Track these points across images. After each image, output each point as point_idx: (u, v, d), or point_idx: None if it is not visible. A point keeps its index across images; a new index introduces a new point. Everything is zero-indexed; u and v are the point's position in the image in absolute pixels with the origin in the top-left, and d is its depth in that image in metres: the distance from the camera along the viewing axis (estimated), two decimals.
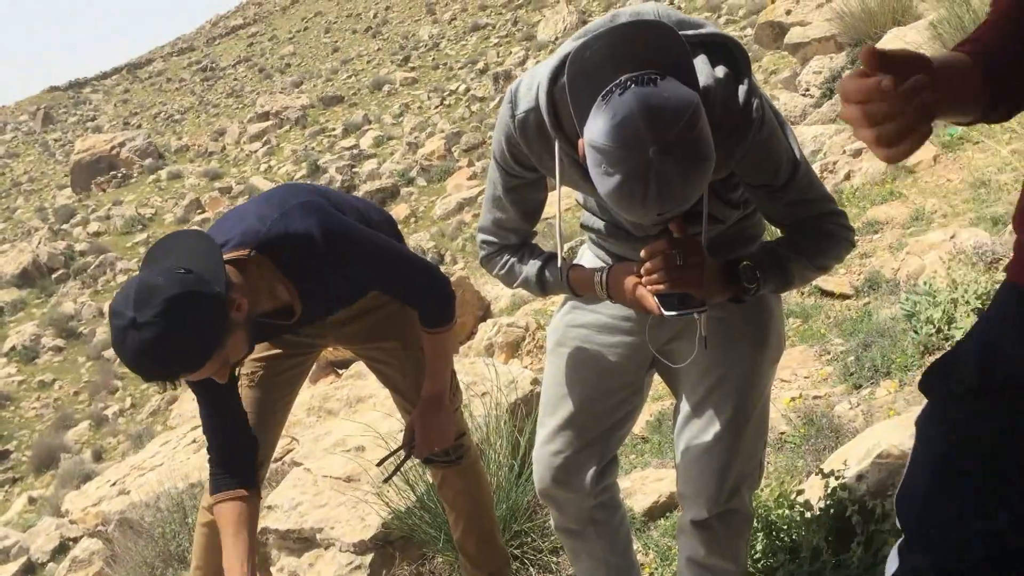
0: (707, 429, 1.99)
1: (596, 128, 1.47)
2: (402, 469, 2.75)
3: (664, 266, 1.70)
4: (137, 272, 1.97)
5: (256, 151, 32.91)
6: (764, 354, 2.02)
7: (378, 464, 2.73)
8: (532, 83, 1.76)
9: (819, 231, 1.83)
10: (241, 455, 2.30)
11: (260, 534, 3.42)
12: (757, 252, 1.86)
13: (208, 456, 2.31)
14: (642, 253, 1.74)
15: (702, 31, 1.67)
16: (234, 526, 2.22)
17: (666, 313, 1.72)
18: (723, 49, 1.67)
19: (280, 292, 2.16)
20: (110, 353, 20.86)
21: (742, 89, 1.65)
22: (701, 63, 1.63)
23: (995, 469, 1.22)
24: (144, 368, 1.87)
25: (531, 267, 2.00)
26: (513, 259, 2.03)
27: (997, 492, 1.21)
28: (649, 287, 1.74)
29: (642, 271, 1.74)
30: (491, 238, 2.04)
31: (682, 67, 1.53)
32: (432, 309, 2.36)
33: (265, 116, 35.58)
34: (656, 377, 2.24)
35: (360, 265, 2.22)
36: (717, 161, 1.59)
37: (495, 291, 8.14)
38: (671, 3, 27.32)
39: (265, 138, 33.69)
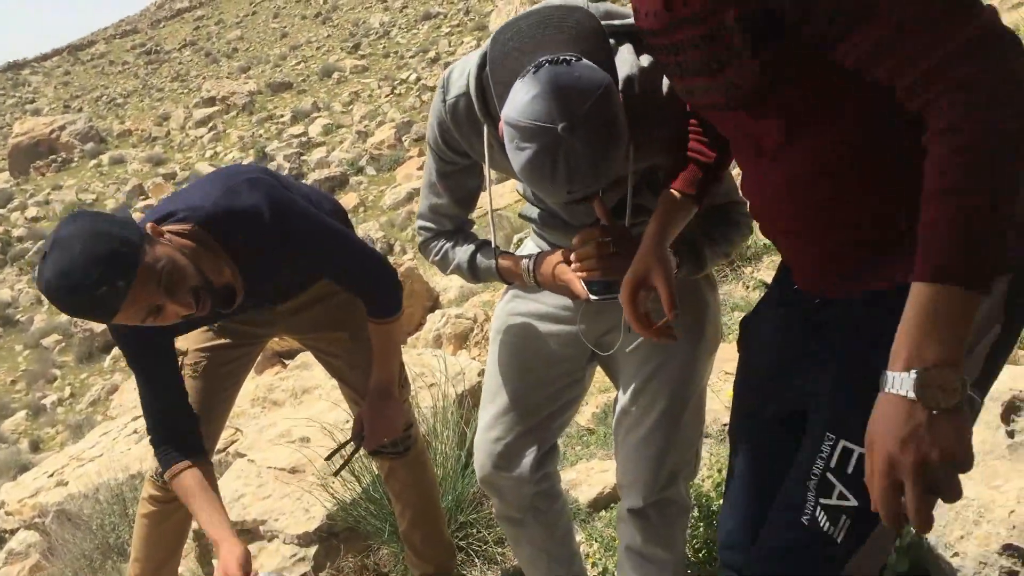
0: (644, 419, 2.02)
1: (512, 104, 1.52)
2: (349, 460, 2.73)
3: (596, 253, 1.75)
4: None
5: (202, 137, 32.41)
6: (700, 345, 2.05)
7: (327, 458, 2.72)
8: (463, 69, 1.81)
9: (727, 219, 1.92)
10: (187, 431, 2.25)
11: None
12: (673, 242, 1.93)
13: (151, 438, 2.26)
14: (574, 240, 1.79)
15: (628, 21, 1.71)
16: (200, 489, 2.18)
17: (592, 297, 1.77)
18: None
19: (224, 272, 2.10)
20: (48, 341, 20.44)
21: (666, 81, 1.71)
22: (627, 52, 1.69)
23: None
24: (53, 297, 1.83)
25: (464, 252, 2.04)
26: (448, 244, 2.06)
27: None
28: (579, 273, 1.79)
29: (573, 256, 1.80)
30: (428, 224, 2.08)
31: (599, 52, 1.59)
32: (379, 298, 2.34)
33: (211, 101, 35.06)
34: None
35: (307, 246, 2.18)
36: (641, 149, 1.66)
37: (444, 282, 8.12)
38: None
39: (211, 124, 33.20)
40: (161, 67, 50.32)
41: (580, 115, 1.48)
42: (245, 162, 27.65)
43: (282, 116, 32.44)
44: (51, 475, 5.89)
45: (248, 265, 2.13)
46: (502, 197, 10.80)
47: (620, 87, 1.64)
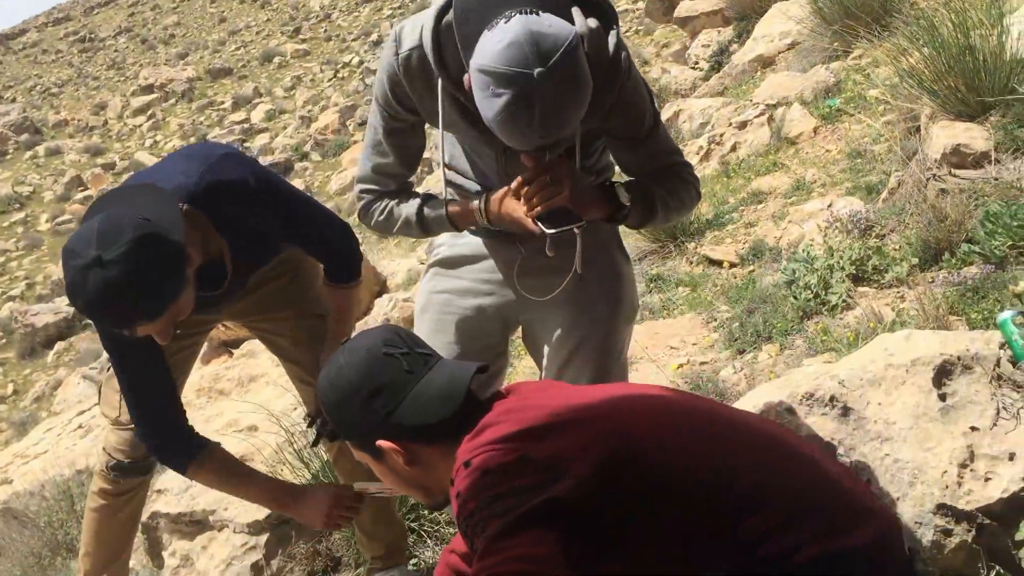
0: None
1: (484, 52, 1.57)
2: (299, 446, 2.73)
3: (538, 187, 1.79)
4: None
5: (140, 125, 31.74)
6: (619, 316, 2.14)
7: (308, 426, 2.67)
8: (416, 23, 1.84)
9: (677, 176, 2.00)
10: (185, 423, 2.23)
11: (150, 518, 3.36)
12: (625, 182, 2.00)
13: (149, 444, 2.21)
14: (513, 185, 1.84)
15: None
16: (229, 472, 2.23)
17: (547, 231, 1.81)
18: (593, 4, 1.78)
19: (211, 249, 2.10)
20: None
21: (611, 40, 1.78)
22: (577, 14, 1.73)
23: None
24: (106, 309, 1.80)
25: (410, 207, 2.05)
26: (392, 203, 2.07)
27: None
28: (528, 211, 1.83)
29: (522, 197, 1.83)
30: (371, 186, 2.08)
31: (559, 10, 1.67)
32: (344, 262, 2.38)
33: (149, 89, 34.31)
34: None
35: (287, 213, 2.21)
36: (589, 110, 1.70)
37: (391, 266, 8.09)
38: None
39: (150, 112, 32.52)
40: (96, 55, 49.10)
41: (554, 61, 1.54)
42: None
43: (223, 103, 31.88)
44: None
45: (234, 239, 2.15)
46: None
47: None
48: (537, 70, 1.54)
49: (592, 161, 2.03)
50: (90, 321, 2.03)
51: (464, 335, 2.16)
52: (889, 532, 1.50)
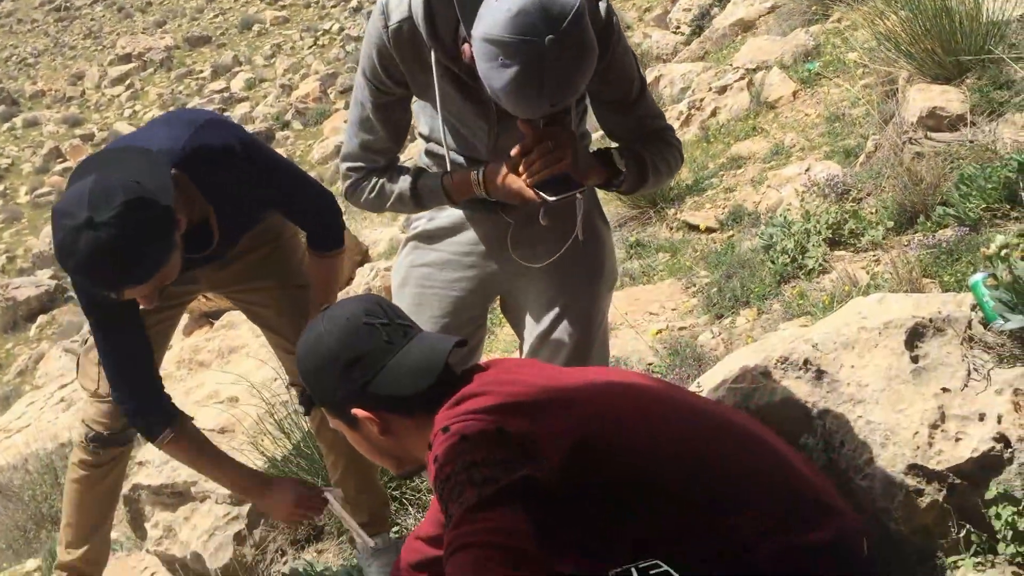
0: (555, 355, 2.09)
1: (491, 22, 1.56)
2: (279, 416, 2.73)
3: (539, 154, 1.79)
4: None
5: (119, 95, 31.35)
6: (601, 280, 2.15)
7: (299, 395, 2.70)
8: None
9: (662, 140, 2.02)
10: (162, 393, 2.25)
11: (132, 490, 3.37)
12: (617, 147, 2.01)
13: (125, 408, 2.23)
14: (513, 152, 1.82)
15: None
16: (200, 450, 2.27)
17: (548, 198, 1.81)
18: None
19: (196, 214, 2.11)
20: None
21: (602, 5, 1.80)
22: None
23: None
24: (95, 271, 1.82)
25: (403, 182, 2.04)
26: (383, 179, 2.05)
27: None
28: (528, 179, 1.82)
29: (521, 166, 1.82)
30: (358, 164, 2.06)
31: None
32: (327, 230, 2.38)
33: (127, 58, 33.85)
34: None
35: (272, 180, 2.21)
36: None
37: (373, 236, 8.06)
38: None
39: (128, 81, 32.10)
40: (72, 24, 48.36)
41: (565, 27, 1.55)
42: None
43: (202, 71, 31.49)
44: None
45: (221, 204, 2.15)
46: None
47: None
48: (548, 37, 1.54)
49: (574, 126, 2.02)
50: (77, 282, 2.04)
51: (445, 308, 2.16)
52: (852, 530, 1.52)
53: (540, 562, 1.36)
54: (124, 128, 26.51)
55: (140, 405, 2.22)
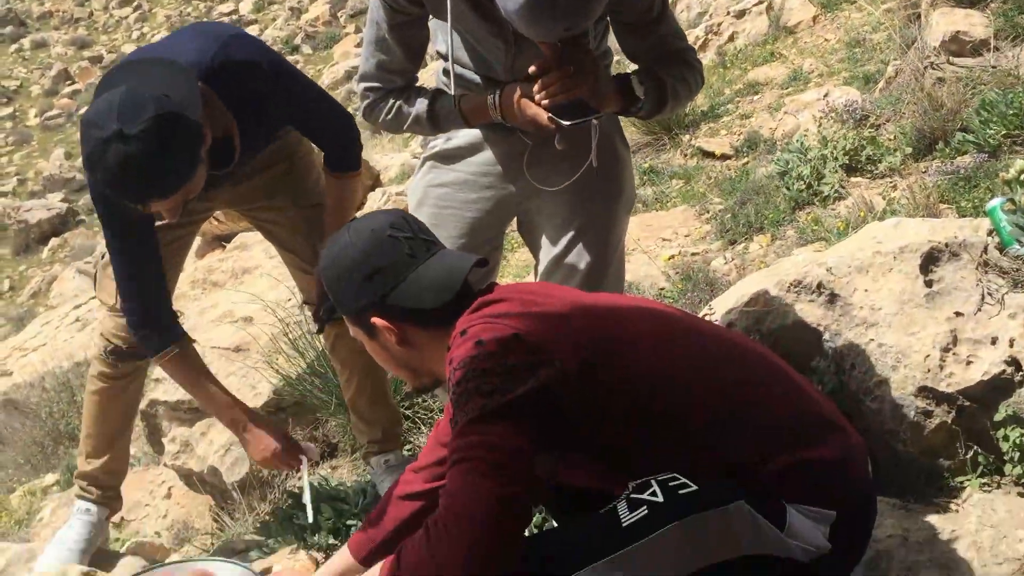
0: (572, 276, 2.08)
1: None
2: (294, 336, 2.74)
3: (558, 76, 1.75)
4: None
5: (127, 17, 30.98)
6: (620, 203, 2.13)
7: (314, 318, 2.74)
8: None
9: (683, 62, 1.97)
10: (169, 311, 2.27)
11: (149, 406, 3.42)
12: (636, 71, 1.96)
13: (130, 320, 2.25)
14: (531, 70, 1.77)
15: None
16: (196, 372, 2.28)
17: (564, 123, 1.78)
18: None
19: (219, 128, 2.10)
20: None
21: None
22: None
23: None
24: (123, 183, 1.84)
25: (420, 105, 2.02)
26: (400, 101, 2.03)
27: None
28: (545, 101, 1.78)
29: (535, 87, 1.78)
30: (375, 83, 2.03)
31: None
32: (345, 151, 2.37)
33: None
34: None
35: (295, 96, 2.21)
36: None
37: (384, 160, 8.02)
38: None
39: (136, 3, 31.67)
40: None
41: None
42: None
43: None
44: None
45: (243, 118, 2.14)
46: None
47: None
48: None
49: (594, 46, 1.98)
50: (101, 192, 2.05)
51: (462, 229, 2.14)
52: (856, 448, 1.54)
53: (534, 478, 1.40)
54: (132, 50, 26.24)
55: (146, 317, 2.24)
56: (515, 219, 2.25)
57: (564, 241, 2.10)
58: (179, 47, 2.08)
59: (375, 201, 6.16)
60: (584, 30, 1.68)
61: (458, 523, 1.36)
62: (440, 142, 2.16)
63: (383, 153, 8.68)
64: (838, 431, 1.55)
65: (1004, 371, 1.93)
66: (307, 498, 2.27)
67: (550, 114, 1.79)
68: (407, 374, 1.71)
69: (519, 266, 4.27)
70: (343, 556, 1.86)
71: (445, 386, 1.58)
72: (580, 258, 2.08)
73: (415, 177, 2.24)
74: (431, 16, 1.95)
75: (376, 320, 1.61)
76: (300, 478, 2.21)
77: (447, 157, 2.14)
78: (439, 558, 1.37)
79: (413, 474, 1.87)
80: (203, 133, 1.91)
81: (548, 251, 2.13)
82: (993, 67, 3.51)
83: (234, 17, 27.79)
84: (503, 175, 2.10)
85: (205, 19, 28.21)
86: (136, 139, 1.77)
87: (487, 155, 2.11)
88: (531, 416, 1.40)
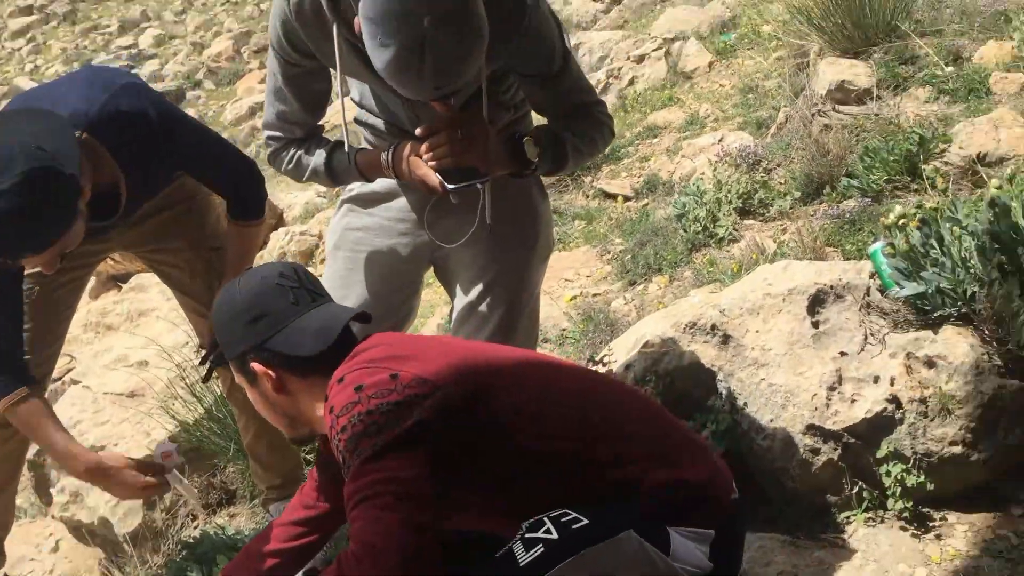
0: (482, 327, 2.08)
1: (371, 0, 1.49)
2: (190, 380, 2.68)
3: (447, 140, 1.75)
4: None
5: (20, 49, 29.98)
6: (534, 253, 2.13)
7: (200, 363, 2.65)
8: None
9: (589, 116, 1.96)
10: (21, 359, 2.17)
11: (37, 455, 3.29)
12: (534, 129, 1.96)
13: None
14: (418, 131, 1.77)
15: None
16: (43, 417, 2.14)
17: (449, 187, 1.77)
18: None
19: (105, 177, 2.04)
20: None
21: None
22: None
23: None
24: None
25: (318, 157, 2.00)
26: (300, 152, 2.02)
27: None
28: (432, 163, 1.77)
29: (423, 148, 1.78)
30: (276, 132, 2.02)
31: None
32: (248, 199, 2.33)
33: (28, 10, 32.34)
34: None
35: (189, 146, 2.16)
36: (494, 47, 1.64)
37: (288, 199, 7.92)
38: None
39: (29, 35, 30.72)
40: None
41: (446, 8, 1.47)
42: None
43: (108, 26, 30.29)
44: None
45: (131, 169, 2.08)
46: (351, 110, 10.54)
47: None
48: (427, 19, 1.45)
49: (509, 96, 1.97)
50: None
51: (378, 273, 2.13)
52: (720, 467, 1.61)
53: (437, 506, 1.41)
54: (25, 84, 25.38)
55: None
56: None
57: (476, 291, 2.10)
58: (65, 94, 2.02)
59: (278, 240, 6.08)
60: (457, 90, 1.64)
61: (371, 554, 1.37)
62: (358, 185, 2.14)
63: (287, 191, 8.57)
64: (703, 451, 1.62)
65: (886, 409, 2.01)
66: (191, 493, 2.24)
67: (438, 177, 1.78)
68: (284, 422, 1.73)
69: (445, 299, 4.25)
70: None
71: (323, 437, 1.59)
72: (492, 308, 2.09)
73: (334, 218, 2.22)
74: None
75: (255, 365, 1.65)
76: (175, 489, 2.12)
77: (365, 201, 2.14)
78: None
79: (274, 529, 1.89)
80: (79, 186, 1.83)
81: (461, 299, 2.14)
82: (876, 115, 3.69)
83: (133, 51, 27.20)
84: (417, 222, 2.10)
85: (103, 52, 27.54)
86: (5, 194, 1.70)
87: (403, 201, 2.11)
88: (422, 445, 1.43)
